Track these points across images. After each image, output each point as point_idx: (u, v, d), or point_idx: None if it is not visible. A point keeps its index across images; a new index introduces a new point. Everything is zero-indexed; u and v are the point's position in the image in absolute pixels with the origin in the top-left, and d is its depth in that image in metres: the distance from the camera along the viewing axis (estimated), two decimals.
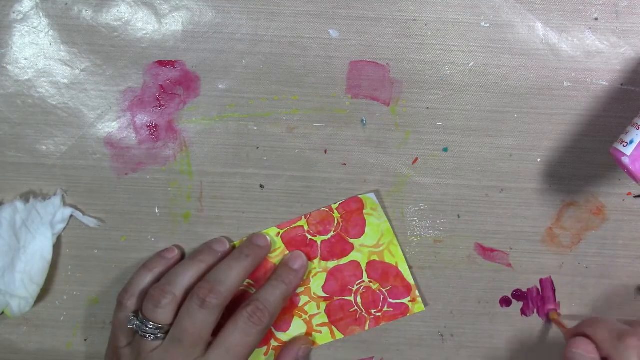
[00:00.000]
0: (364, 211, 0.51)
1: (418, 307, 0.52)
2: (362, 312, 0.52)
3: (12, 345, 0.53)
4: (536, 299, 0.52)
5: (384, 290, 0.51)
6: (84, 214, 0.51)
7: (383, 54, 0.49)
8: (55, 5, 0.48)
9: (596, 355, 0.42)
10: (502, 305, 0.53)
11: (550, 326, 0.52)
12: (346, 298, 0.51)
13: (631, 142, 0.44)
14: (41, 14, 0.48)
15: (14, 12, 0.48)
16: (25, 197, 0.50)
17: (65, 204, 0.51)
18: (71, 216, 0.51)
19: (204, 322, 0.46)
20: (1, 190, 0.51)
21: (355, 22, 0.48)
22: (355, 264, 0.51)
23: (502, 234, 0.52)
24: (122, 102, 0.50)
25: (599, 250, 0.52)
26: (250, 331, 0.46)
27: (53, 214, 0.50)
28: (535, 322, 0.53)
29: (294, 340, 0.52)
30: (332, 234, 0.51)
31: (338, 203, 0.51)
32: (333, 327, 0.52)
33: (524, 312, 0.52)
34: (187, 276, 0.48)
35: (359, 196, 0.51)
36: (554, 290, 0.52)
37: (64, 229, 0.51)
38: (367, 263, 0.51)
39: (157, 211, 0.51)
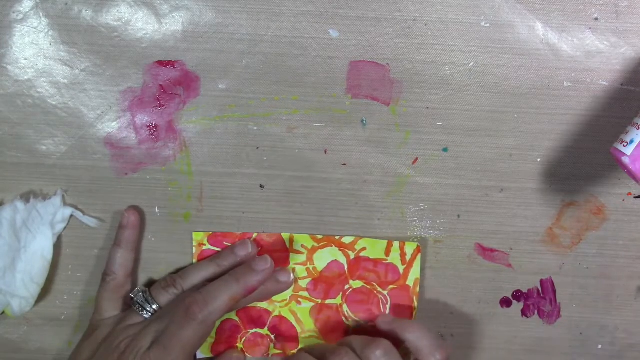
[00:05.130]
0: None
1: None
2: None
3: (13, 344, 0.53)
4: (537, 299, 0.52)
5: None
6: (84, 213, 0.51)
7: (383, 54, 0.49)
8: (55, 5, 0.48)
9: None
10: (502, 306, 0.53)
11: (550, 327, 0.52)
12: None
13: (631, 142, 0.44)
14: (41, 14, 0.48)
15: (14, 12, 0.48)
16: (26, 197, 0.50)
17: (65, 203, 0.51)
18: (71, 216, 0.51)
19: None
20: (1, 190, 0.51)
21: (355, 22, 0.48)
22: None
23: (502, 234, 0.51)
24: (122, 102, 0.50)
25: (599, 250, 0.51)
26: (184, 324, 0.45)
27: (53, 214, 0.50)
28: (535, 323, 0.53)
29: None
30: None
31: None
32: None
33: (524, 313, 0.52)
34: (198, 276, 0.49)
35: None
36: (554, 291, 0.52)
37: (64, 228, 0.51)
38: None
39: (157, 211, 0.51)
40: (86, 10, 0.48)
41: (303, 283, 0.52)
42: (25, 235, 0.49)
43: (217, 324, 0.52)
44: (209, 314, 0.46)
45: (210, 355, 0.52)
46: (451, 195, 0.51)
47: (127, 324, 0.48)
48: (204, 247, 0.51)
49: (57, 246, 0.51)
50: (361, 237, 0.51)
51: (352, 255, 0.51)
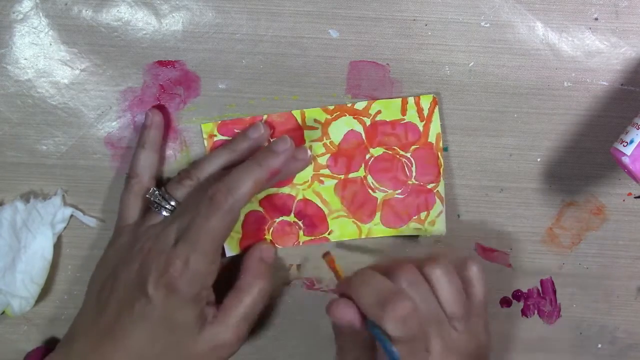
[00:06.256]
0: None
1: None
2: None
3: (13, 344, 0.53)
4: (537, 299, 0.52)
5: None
6: (84, 213, 0.51)
7: (383, 54, 0.49)
8: (55, 5, 0.48)
9: (356, 321, 0.43)
10: (502, 306, 0.53)
11: (550, 327, 0.52)
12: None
13: (631, 142, 0.44)
14: (41, 14, 0.48)
15: (14, 12, 0.48)
16: (26, 197, 0.50)
17: (65, 203, 0.51)
18: (71, 216, 0.51)
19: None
20: (1, 190, 0.51)
21: (355, 22, 0.48)
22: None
23: (502, 234, 0.51)
24: (122, 102, 0.50)
25: (599, 250, 0.51)
26: (209, 215, 0.43)
27: (53, 214, 0.50)
28: (536, 323, 0.53)
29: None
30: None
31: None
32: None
33: (524, 313, 0.52)
34: (213, 164, 0.48)
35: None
36: (554, 291, 0.52)
37: (64, 228, 0.51)
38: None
39: None
40: (86, 10, 0.48)
41: (322, 160, 0.50)
42: (25, 235, 0.49)
43: (242, 218, 0.50)
44: (235, 202, 0.44)
45: (239, 251, 0.50)
46: (451, 195, 0.51)
47: (148, 225, 0.46)
48: (216, 138, 0.50)
49: (57, 246, 0.51)
50: (374, 100, 0.49)
51: (367, 122, 0.49)
